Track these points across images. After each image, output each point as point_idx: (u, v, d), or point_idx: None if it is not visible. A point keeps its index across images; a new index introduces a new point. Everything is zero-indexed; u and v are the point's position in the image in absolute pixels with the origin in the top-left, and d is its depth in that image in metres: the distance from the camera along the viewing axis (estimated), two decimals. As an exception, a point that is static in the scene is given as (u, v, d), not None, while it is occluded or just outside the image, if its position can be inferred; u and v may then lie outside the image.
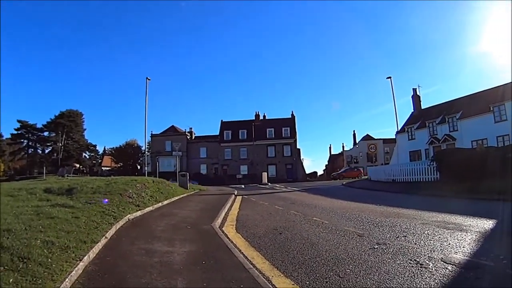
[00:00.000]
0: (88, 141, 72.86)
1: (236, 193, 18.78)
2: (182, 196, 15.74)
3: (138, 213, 9.53)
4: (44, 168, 40.85)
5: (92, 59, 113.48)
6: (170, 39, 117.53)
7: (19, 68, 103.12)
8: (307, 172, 57.00)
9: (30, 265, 3.96)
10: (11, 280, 3.51)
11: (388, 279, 3.80)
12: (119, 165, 65.17)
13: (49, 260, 4.28)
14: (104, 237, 6.18)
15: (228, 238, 6.59)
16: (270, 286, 3.85)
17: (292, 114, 55.32)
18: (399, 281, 3.71)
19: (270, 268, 4.59)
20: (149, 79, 25.01)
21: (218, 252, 5.38)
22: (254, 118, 56.99)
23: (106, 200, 8.80)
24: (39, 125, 66.16)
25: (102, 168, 71.93)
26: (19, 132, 65.51)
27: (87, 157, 75.63)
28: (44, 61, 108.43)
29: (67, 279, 3.90)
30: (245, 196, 16.82)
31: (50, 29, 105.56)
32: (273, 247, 5.73)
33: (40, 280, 3.68)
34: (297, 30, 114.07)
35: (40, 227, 5.82)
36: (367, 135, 64.73)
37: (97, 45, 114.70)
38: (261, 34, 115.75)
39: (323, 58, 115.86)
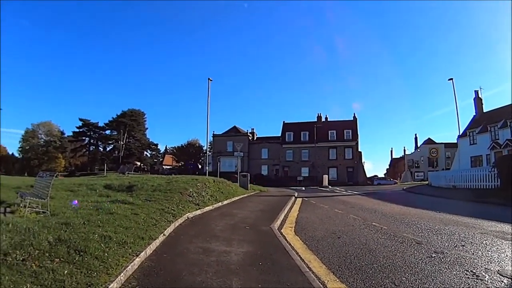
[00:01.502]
0: (150, 140, 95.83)
1: (296, 195, 24.47)
2: (242, 196, 20.66)
3: (198, 212, 12.41)
4: (105, 165, 51.15)
5: (155, 59, 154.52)
6: (233, 39, 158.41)
7: (82, 68, 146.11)
8: (368, 175, 73.77)
9: (86, 258, 5.38)
10: (65, 271, 4.82)
11: (443, 289, 4.96)
12: (180, 164, 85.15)
13: (106, 254, 5.72)
14: (162, 234, 7.99)
15: (286, 240, 8.47)
16: (325, 291, 5.04)
17: (354, 116, 72.78)
18: (454, 292, 4.90)
19: (327, 272, 5.85)
20: (211, 80, 31.92)
21: (275, 254, 6.90)
22: (316, 120, 75.09)
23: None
24: (101, 124, 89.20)
25: (163, 166, 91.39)
26: (80, 130, 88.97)
27: (148, 155, 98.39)
28: (107, 61, 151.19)
29: (122, 274, 5.15)
30: (305, 199, 21.69)
31: (114, 29, 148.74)
32: (330, 251, 7.35)
33: (95, 273, 4.96)
34: (363, 28, 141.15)
35: (99, 222, 7.86)
36: (429, 139, 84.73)
37: (160, 45, 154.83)
38: (328, 34, 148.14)
39: (387, 59, 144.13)
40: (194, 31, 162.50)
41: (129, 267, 5.52)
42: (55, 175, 10.70)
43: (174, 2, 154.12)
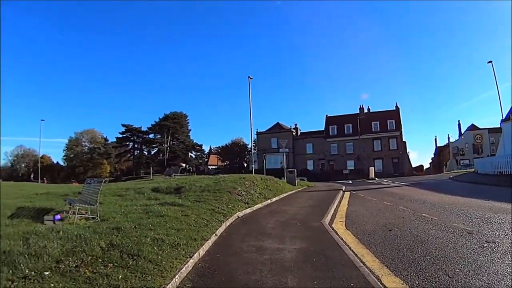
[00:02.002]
0: (194, 141, 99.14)
1: (344, 188, 25.36)
2: (290, 192, 21.39)
3: (248, 211, 12.91)
4: (151, 168, 53.06)
5: (194, 60, 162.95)
6: (270, 35, 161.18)
7: (121, 75, 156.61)
8: (413, 165, 76.89)
9: (140, 262, 5.54)
10: (120, 276, 4.97)
11: (497, 280, 5.07)
12: (225, 164, 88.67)
13: (159, 257, 5.89)
14: (214, 235, 8.27)
15: (338, 235, 8.79)
16: (380, 285, 5.16)
17: (396, 106, 74.00)
18: (507, 283, 4.94)
19: (380, 266, 6.09)
20: (251, 78, 32.74)
21: (328, 250, 7.18)
22: (358, 112, 76.52)
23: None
24: (144, 128, 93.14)
25: (208, 166, 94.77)
26: (124, 135, 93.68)
27: (193, 156, 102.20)
28: (146, 66, 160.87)
29: (176, 276, 5.32)
30: (353, 192, 22.54)
31: (151, 33, 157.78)
32: (382, 245, 7.64)
33: (150, 277, 5.10)
34: (401, 17, 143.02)
35: (150, 225, 8.15)
36: (472, 125, 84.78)
37: (197, 45, 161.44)
38: (364, 23, 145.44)
39: (426, 45, 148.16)
40: (232, 30, 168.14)
41: (183, 269, 5.69)
42: (103, 181, 11.11)
43: (210, 3, 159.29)
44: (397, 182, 33.46)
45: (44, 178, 73.87)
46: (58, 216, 9.96)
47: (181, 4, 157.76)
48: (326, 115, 79.45)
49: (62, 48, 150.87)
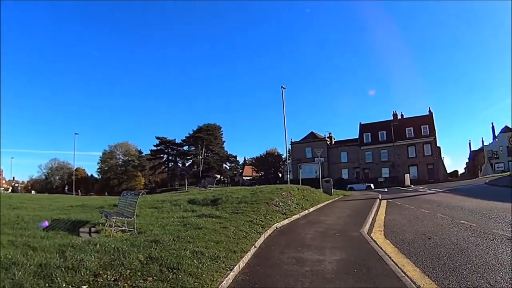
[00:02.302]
0: (228, 153, 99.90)
1: (380, 197, 25.48)
2: (327, 202, 21.13)
3: (285, 221, 12.89)
4: (186, 180, 53.83)
5: (226, 73, 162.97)
6: (300, 44, 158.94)
7: (156, 88, 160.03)
8: (447, 171, 77.13)
9: (180, 276, 5.46)
10: None
11: (541, 285, 5.28)
12: (260, 174, 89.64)
13: (199, 270, 5.81)
14: (253, 246, 8.24)
15: (377, 244, 8.83)
16: (423, 296, 5.34)
17: (430, 111, 73.37)
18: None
19: (421, 276, 6.10)
20: (284, 88, 33.34)
21: (369, 260, 7.16)
22: (392, 118, 76.49)
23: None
24: (178, 141, 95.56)
25: (243, 177, 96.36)
26: (158, 148, 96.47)
27: (228, 167, 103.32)
28: (178, 79, 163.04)
29: None
30: (390, 200, 22.74)
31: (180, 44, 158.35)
32: (422, 254, 7.71)
33: None
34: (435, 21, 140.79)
35: (189, 237, 8.16)
36: (506, 127, 79.16)
37: (228, 57, 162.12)
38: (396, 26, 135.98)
39: (457, 48, 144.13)
40: (263, 39, 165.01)
41: (224, 282, 5.60)
42: (141, 193, 11.19)
43: (243, 14, 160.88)
44: (433, 189, 33.97)
45: (79, 191, 76.11)
46: (94, 229, 10.06)
47: (212, 14, 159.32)
48: (360, 123, 79.50)
49: (96, 63, 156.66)
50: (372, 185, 55.12)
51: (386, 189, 43.34)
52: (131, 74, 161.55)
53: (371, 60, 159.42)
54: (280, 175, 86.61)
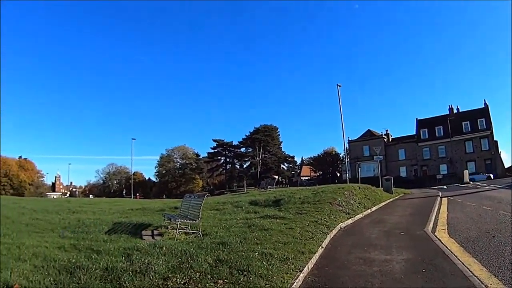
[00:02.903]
0: (285, 153, 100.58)
1: (440, 194, 25.38)
2: (388, 201, 21.40)
3: (349, 221, 12.88)
4: (244, 181, 54.29)
5: (280, 73, 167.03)
6: (356, 39, 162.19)
7: (211, 90, 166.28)
8: (505, 166, 72.65)
9: (250, 278, 5.42)
10: None
11: None
12: (318, 174, 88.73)
13: (269, 272, 5.76)
14: (320, 247, 8.21)
15: (442, 243, 8.85)
16: (494, 296, 5.40)
17: (485, 103, 70.77)
18: None
19: (488, 275, 6.04)
20: (339, 86, 33.78)
21: (436, 259, 7.19)
22: (448, 113, 74.23)
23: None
24: (235, 143, 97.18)
25: (301, 178, 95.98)
26: (215, 150, 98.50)
27: (285, 168, 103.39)
28: (234, 82, 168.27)
29: None
30: (450, 197, 22.51)
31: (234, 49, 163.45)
32: (488, 252, 7.63)
33: None
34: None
35: (255, 239, 8.20)
36: None
37: (285, 56, 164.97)
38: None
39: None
40: (317, 36, 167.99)
41: (295, 283, 5.55)
42: (205, 195, 11.24)
43: (299, 13, 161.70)
44: (492, 185, 33.20)
45: (137, 194, 78.66)
46: (157, 231, 10.23)
47: (270, 13, 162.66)
48: (416, 118, 77.95)
49: (147, 68, 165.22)
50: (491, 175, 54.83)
51: (445, 187, 42.31)
52: (187, 77, 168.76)
53: (425, 53, 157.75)
54: (338, 174, 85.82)
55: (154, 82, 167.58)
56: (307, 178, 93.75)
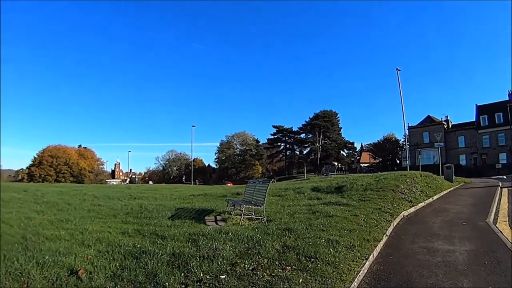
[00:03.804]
0: (345, 139, 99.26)
1: (500, 185, 24.27)
2: (449, 190, 21.07)
3: (412, 210, 12.72)
4: (305, 168, 54.24)
5: (340, 54, 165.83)
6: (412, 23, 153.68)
7: (271, 77, 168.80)
8: None
9: (318, 265, 5.42)
10: (300, 280, 4.88)
11: None
12: (377, 161, 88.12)
13: (336, 259, 5.75)
14: (384, 235, 8.25)
15: (504, 235, 8.67)
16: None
17: None
18: None
19: None
20: (399, 70, 33.18)
21: (498, 252, 7.06)
22: (508, 98, 69.14)
23: None
24: (295, 128, 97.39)
25: (361, 164, 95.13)
26: (275, 136, 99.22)
27: (345, 154, 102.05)
28: (292, 68, 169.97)
29: (355, 279, 5.16)
30: (510, 188, 21.49)
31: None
32: None
33: (329, 280, 4.96)
34: None
35: (321, 226, 8.19)
36: None
37: (343, 40, 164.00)
38: None
39: None
40: (374, 19, 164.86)
41: (361, 271, 5.63)
42: (271, 181, 11.31)
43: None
44: None
45: (197, 180, 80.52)
46: (220, 217, 10.40)
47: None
48: (476, 104, 73.81)
49: (209, 55, 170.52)
50: None
51: (505, 177, 39.53)
52: (247, 64, 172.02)
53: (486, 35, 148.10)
54: (398, 161, 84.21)
55: (214, 69, 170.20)
56: (366, 164, 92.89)
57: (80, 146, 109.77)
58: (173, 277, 4.88)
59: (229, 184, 64.30)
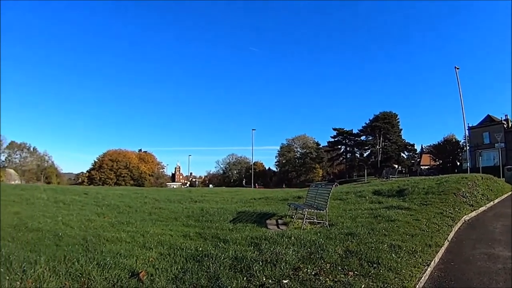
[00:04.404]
0: (405, 141, 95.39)
1: None
2: (510, 193, 19.57)
3: (473, 214, 12.28)
4: (365, 171, 53.26)
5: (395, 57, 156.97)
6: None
7: (330, 80, 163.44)
8: None
9: (380, 270, 5.30)
10: (362, 286, 4.79)
11: None
12: (438, 163, 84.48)
13: (398, 265, 5.60)
14: (446, 240, 7.97)
15: None
16: None
17: None
18: None
19: None
20: (457, 68, 31.84)
21: None
22: None
23: None
24: (355, 131, 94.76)
25: (421, 167, 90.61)
26: (336, 139, 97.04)
27: (405, 157, 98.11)
28: (351, 71, 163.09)
29: (416, 286, 5.02)
30: None
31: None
32: None
33: (391, 286, 4.83)
34: None
35: (383, 230, 8.04)
36: None
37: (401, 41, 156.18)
38: None
39: None
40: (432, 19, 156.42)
41: (422, 278, 5.48)
42: (334, 184, 11.27)
43: None
44: None
45: (256, 184, 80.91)
46: (282, 221, 10.41)
47: None
48: None
49: (266, 58, 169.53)
50: None
51: None
52: (306, 67, 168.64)
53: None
54: (458, 163, 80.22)
55: (274, 73, 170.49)
56: (427, 167, 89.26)
57: (140, 150, 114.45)
58: (235, 281, 4.91)
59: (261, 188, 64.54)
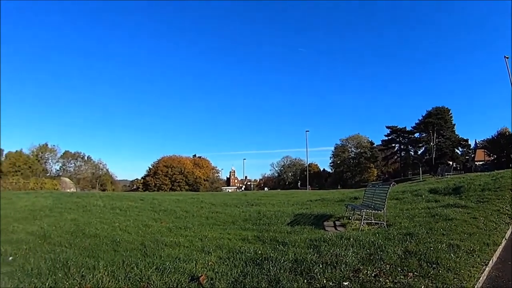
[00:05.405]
0: (459, 136, 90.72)
1: None
2: None
3: None
4: (420, 169, 51.55)
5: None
6: None
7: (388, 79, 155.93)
8: None
9: (439, 271, 5.16)
10: (422, 287, 4.69)
11: None
12: (492, 158, 79.02)
13: (457, 265, 5.44)
14: (503, 238, 7.65)
15: None
16: None
17: None
18: None
19: None
20: (507, 57, 30.68)
21: None
22: None
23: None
24: (408, 128, 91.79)
25: (476, 163, 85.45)
26: (389, 137, 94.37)
27: (459, 153, 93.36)
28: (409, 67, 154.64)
29: (475, 286, 4.88)
30: None
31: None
32: None
33: (450, 287, 4.71)
34: None
35: (441, 229, 7.85)
36: None
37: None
38: None
39: None
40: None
41: (480, 278, 5.29)
42: (391, 184, 11.11)
43: None
44: None
45: (309, 186, 79.97)
46: (339, 222, 10.35)
47: None
48: None
49: (318, 59, 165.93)
50: None
51: None
52: (358, 65, 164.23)
53: None
54: (512, 157, 74.73)
55: (325, 74, 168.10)
56: (481, 162, 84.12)
57: (195, 155, 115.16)
58: (296, 283, 4.90)
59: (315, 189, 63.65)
